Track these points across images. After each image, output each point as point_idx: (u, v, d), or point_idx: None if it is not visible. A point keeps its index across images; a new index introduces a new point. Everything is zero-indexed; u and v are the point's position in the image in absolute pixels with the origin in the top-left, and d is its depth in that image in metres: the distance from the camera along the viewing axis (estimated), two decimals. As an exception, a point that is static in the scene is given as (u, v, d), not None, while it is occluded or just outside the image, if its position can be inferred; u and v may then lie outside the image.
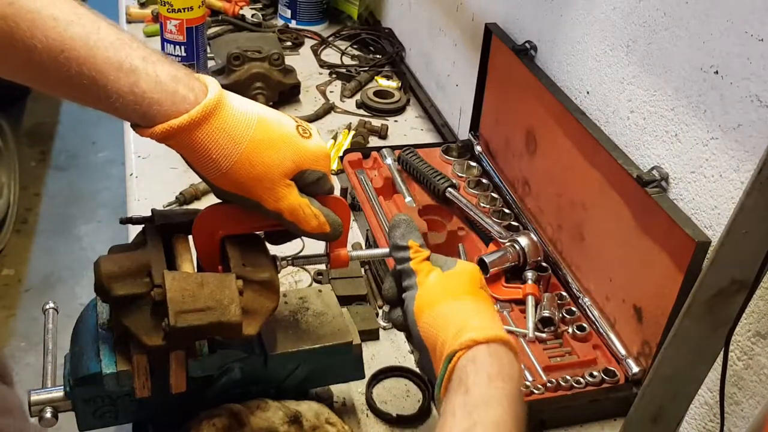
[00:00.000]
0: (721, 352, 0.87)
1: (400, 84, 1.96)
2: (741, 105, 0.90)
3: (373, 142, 1.71)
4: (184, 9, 1.67)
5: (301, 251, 1.18)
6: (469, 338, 0.75)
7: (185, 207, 1.43)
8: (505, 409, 0.70)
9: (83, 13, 0.74)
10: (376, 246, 1.30)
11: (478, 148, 1.57)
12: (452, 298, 0.81)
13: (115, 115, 0.75)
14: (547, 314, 1.18)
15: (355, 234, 1.42)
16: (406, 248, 0.85)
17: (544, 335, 1.17)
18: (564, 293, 1.25)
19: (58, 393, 0.85)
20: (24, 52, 0.71)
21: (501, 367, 0.74)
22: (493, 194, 1.46)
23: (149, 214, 0.88)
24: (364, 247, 1.38)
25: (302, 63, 2.01)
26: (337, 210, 0.86)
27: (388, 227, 0.89)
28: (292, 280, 1.30)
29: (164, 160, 1.53)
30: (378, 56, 2.09)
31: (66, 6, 0.73)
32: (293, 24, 2.19)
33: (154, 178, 1.51)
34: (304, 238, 0.87)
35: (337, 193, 0.89)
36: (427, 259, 0.85)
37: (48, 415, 0.84)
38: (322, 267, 1.29)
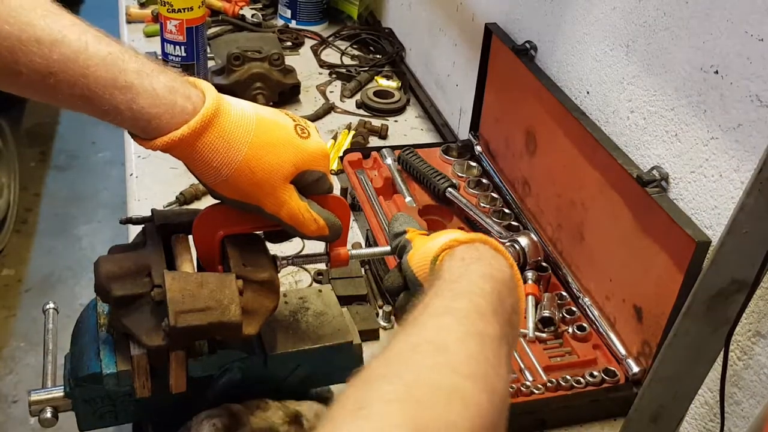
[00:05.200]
0: (721, 352, 0.87)
1: (400, 84, 1.96)
2: (741, 105, 0.90)
3: (373, 142, 1.71)
4: (184, 9, 1.67)
5: (301, 251, 1.18)
6: (451, 239, 0.74)
7: (185, 207, 1.43)
8: (475, 282, 0.65)
9: (68, 27, 0.69)
10: (376, 245, 1.30)
11: (478, 148, 1.57)
12: (441, 235, 0.79)
13: (114, 125, 0.74)
14: (547, 314, 1.18)
15: (355, 234, 1.42)
16: (405, 232, 0.84)
17: (544, 335, 1.17)
18: (564, 293, 1.25)
19: (58, 393, 0.85)
20: (10, 76, 0.68)
21: (479, 254, 0.71)
22: (493, 194, 1.46)
23: (149, 214, 0.88)
24: (364, 246, 1.38)
25: (302, 63, 2.01)
26: (337, 209, 0.86)
27: (389, 224, 0.88)
28: (292, 280, 1.30)
29: (164, 160, 1.51)
30: (378, 56, 2.09)
31: (50, 22, 0.68)
32: (293, 24, 2.19)
33: (154, 178, 1.51)
34: (304, 238, 0.86)
35: (337, 192, 0.89)
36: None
37: (48, 415, 0.83)
38: (322, 267, 1.29)
